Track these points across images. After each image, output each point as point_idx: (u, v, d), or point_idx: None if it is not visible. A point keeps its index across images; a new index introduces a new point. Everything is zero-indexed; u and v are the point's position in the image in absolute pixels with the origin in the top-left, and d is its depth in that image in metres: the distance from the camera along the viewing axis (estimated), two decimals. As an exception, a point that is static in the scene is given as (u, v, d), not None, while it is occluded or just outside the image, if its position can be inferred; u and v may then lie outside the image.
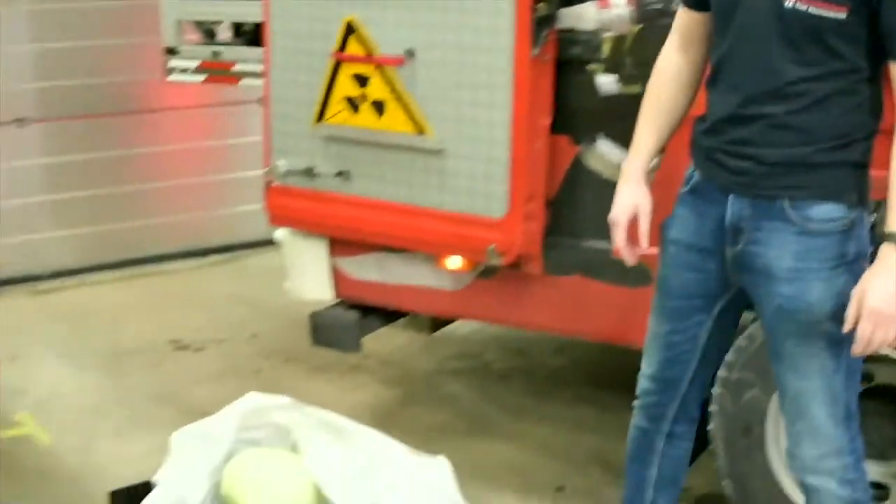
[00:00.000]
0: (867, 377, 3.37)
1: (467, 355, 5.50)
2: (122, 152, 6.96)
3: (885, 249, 2.54)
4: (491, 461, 4.32)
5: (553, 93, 3.53)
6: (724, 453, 3.51)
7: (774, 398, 3.37)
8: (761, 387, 3.40)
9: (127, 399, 5.02)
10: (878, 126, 2.67)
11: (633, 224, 2.90)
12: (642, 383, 3.12)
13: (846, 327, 2.57)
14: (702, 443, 3.60)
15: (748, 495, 3.47)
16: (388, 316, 4.35)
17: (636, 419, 3.16)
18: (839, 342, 2.67)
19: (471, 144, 3.62)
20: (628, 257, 2.93)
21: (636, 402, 3.16)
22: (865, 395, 3.35)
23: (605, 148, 3.30)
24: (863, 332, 2.53)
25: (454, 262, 3.86)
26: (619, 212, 2.91)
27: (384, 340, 5.31)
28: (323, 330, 4.23)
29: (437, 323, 4.65)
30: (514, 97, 3.50)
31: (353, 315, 4.21)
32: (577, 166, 3.60)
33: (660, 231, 2.93)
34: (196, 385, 5.18)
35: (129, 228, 6.98)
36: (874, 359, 3.27)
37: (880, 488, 3.49)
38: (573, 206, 3.67)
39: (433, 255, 3.89)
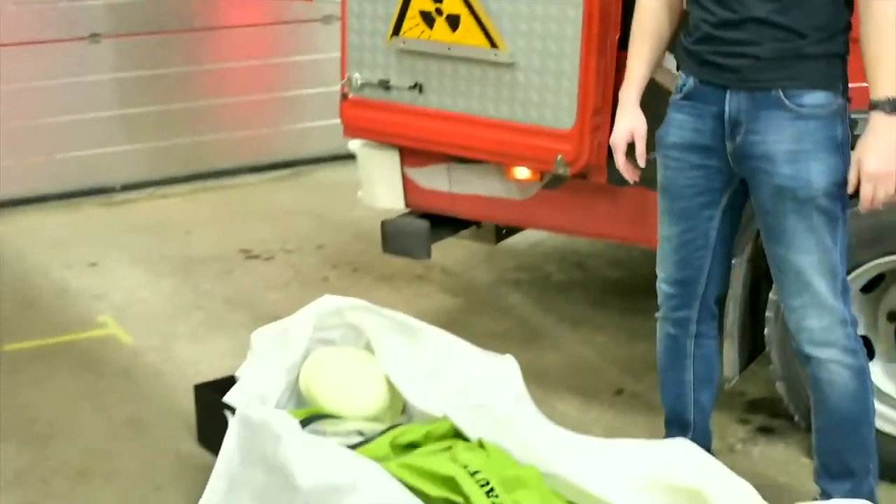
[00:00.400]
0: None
1: (527, 267, 5.67)
2: (190, 68, 7.16)
3: (873, 117, 2.84)
4: (551, 366, 4.50)
5: (622, 8, 3.65)
6: (778, 357, 3.66)
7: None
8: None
9: (202, 304, 5.25)
10: (851, 17, 2.95)
11: (631, 146, 3.23)
12: (662, 291, 3.35)
13: (850, 189, 2.90)
14: (755, 349, 3.78)
15: (801, 397, 3.63)
16: (456, 225, 4.51)
17: (663, 329, 3.41)
18: (835, 219, 2.97)
19: (542, 58, 3.75)
20: (629, 176, 3.27)
21: (659, 313, 3.41)
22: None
23: (670, 63, 3.42)
24: (865, 192, 2.87)
25: (522, 172, 4.01)
26: (618, 136, 3.25)
27: (447, 252, 5.48)
28: (394, 238, 4.39)
29: (501, 234, 4.79)
30: (585, 12, 3.63)
31: (423, 224, 4.37)
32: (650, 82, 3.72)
33: (656, 142, 3.20)
34: (267, 291, 5.40)
35: (198, 143, 7.19)
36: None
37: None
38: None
39: (502, 166, 4.05)
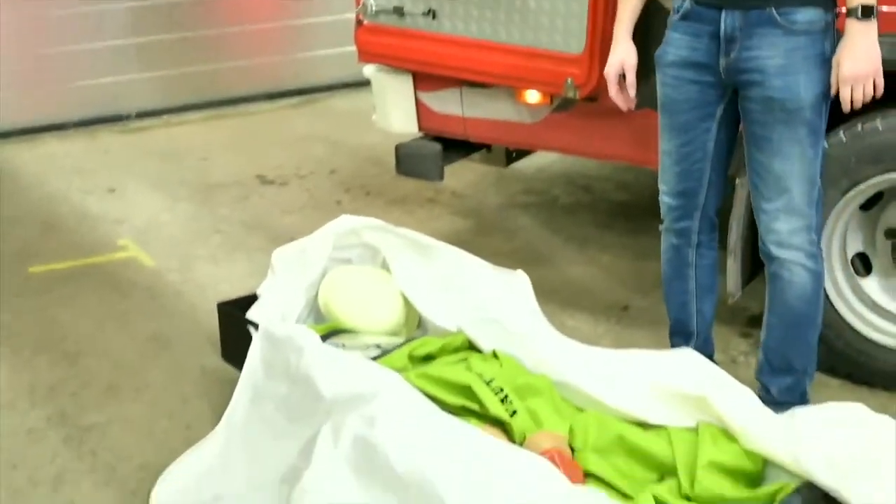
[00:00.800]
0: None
1: (535, 191, 5.81)
2: (204, -4, 7.27)
3: (848, 23, 3.04)
4: (560, 284, 4.66)
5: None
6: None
7: (830, 221, 3.68)
8: (816, 211, 3.69)
9: (220, 227, 5.40)
10: None
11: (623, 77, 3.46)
12: (665, 203, 3.53)
13: (832, 91, 3.09)
14: (757, 265, 3.92)
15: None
16: (468, 149, 4.64)
17: (667, 240, 3.60)
18: (817, 132, 3.16)
19: (553, -18, 3.87)
20: (622, 104, 3.50)
21: (663, 225, 3.58)
22: None
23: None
24: (845, 95, 3.08)
25: (533, 96, 4.13)
26: (610, 68, 3.48)
27: (458, 176, 5.62)
28: (408, 160, 4.53)
29: (511, 157, 4.91)
30: (595, -64, 3.74)
31: (435, 146, 4.50)
32: (653, 4, 3.83)
33: (655, 62, 3.38)
34: (282, 215, 5.55)
35: (213, 70, 7.30)
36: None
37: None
38: (646, 44, 3.90)
39: (513, 90, 4.17)
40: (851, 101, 3.08)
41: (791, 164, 3.20)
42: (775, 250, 3.30)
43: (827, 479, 2.67)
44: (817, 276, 3.32)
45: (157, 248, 5.13)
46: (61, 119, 6.89)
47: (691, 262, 3.56)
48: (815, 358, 3.45)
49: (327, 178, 6.06)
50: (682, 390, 3.14)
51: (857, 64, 3.04)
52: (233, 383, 3.62)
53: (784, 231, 3.27)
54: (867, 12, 3.02)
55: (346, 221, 4.07)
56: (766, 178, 3.25)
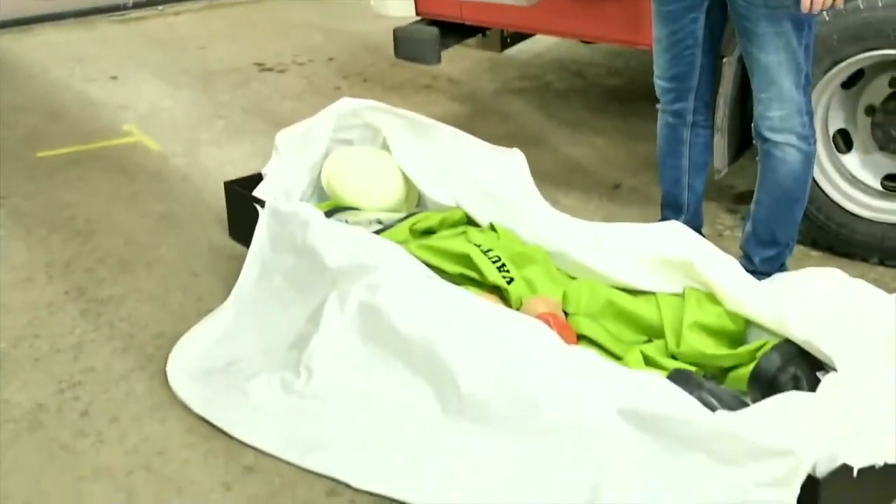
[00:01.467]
0: (894, 81, 3.82)
1: (529, 77, 5.93)
2: None
3: None
4: (553, 164, 4.80)
5: None
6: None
7: (814, 99, 3.82)
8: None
9: (222, 112, 5.53)
10: None
11: None
12: (659, 86, 3.69)
13: None
14: (743, 142, 4.07)
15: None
16: (464, 33, 4.76)
17: (662, 120, 3.75)
18: (801, 22, 3.28)
19: None
20: None
21: (659, 105, 3.73)
22: (892, 97, 3.82)
23: None
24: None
25: (527, -22, 4.24)
26: None
27: (453, 63, 5.74)
28: (406, 44, 4.64)
29: (506, 42, 5.02)
30: None
31: (433, 30, 4.61)
32: None
33: None
34: (282, 101, 5.67)
35: (208, -40, 7.37)
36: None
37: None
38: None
39: (508, -29, 4.28)
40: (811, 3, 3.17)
41: (777, 56, 3.32)
42: (769, 134, 3.44)
43: (804, 335, 2.86)
44: (808, 156, 3.47)
45: (161, 133, 5.26)
46: (59, 9, 6.96)
47: (685, 140, 3.71)
48: (797, 233, 3.63)
49: (325, 66, 6.17)
50: (670, 257, 3.32)
51: None
52: (240, 259, 3.80)
53: (776, 118, 3.40)
54: None
55: (347, 103, 4.20)
56: (756, 70, 3.38)
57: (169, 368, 3.34)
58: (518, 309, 3.30)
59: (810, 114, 3.44)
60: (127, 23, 7.03)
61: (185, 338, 3.49)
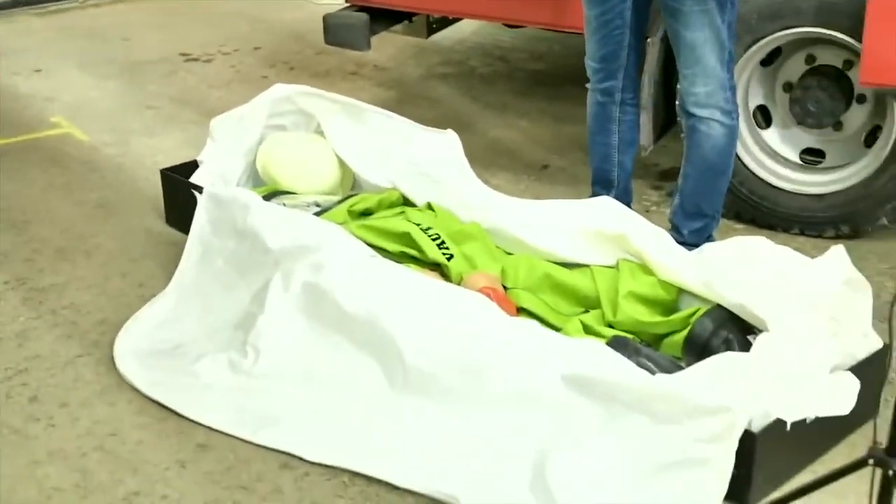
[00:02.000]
0: (811, 58, 3.98)
1: (453, 62, 6.02)
2: None
3: None
4: (482, 147, 4.89)
5: None
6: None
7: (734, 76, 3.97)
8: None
9: (150, 102, 5.54)
10: None
11: None
12: (590, 66, 3.80)
13: None
14: (667, 121, 4.21)
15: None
16: (392, 18, 4.83)
17: (592, 98, 3.86)
18: (723, 2, 3.41)
19: None
20: None
21: (589, 85, 3.83)
22: (809, 74, 3.97)
23: None
24: None
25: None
26: None
27: (378, 50, 5.80)
28: (336, 30, 4.70)
29: (432, 27, 5.10)
30: None
31: (362, 16, 4.68)
32: None
33: None
34: (210, 90, 5.70)
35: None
36: (817, 42, 3.88)
37: (818, 154, 4.13)
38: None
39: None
40: None
41: (702, 33, 3.44)
42: (694, 109, 3.57)
43: (736, 299, 2.99)
44: (731, 131, 3.59)
45: (91, 124, 5.26)
46: (-24, 3, 6.92)
47: (614, 118, 3.82)
48: (723, 205, 3.77)
49: (251, 55, 6.20)
50: (604, 231, 3.42)
51: None
52: (178, 245, 3.85)
53: (702, 94, 3.53)
54: None
55: (280, 89, 4.25)
56: (681, 47, 3.51)
57: (115, 353, 3.38)
58: (459, 284, 3.39)
59: (733, 89, 3.57)
60: (48, 15, 7.00)
61: (129, 323, 3.53)
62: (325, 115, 4.18)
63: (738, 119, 3.62)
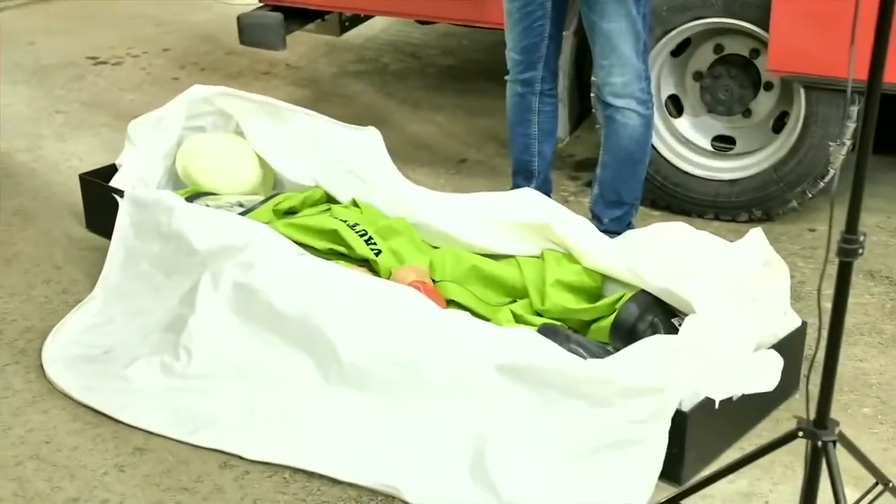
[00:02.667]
0: (719, 47, 4.10)
1: (366, 59, 6.05)
2: None
3: None
4: (400, 142, 4.90)
5: None
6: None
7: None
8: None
9: (60, 107, 5.48)
10: None
11: None
12: (511, 58, 3.85)
13: None
14: (583, 112, 4.29)
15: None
16: (306, 17, 4.85)
17: (512, 89, 3.91)
18: None
19: None
20: None
21: (509, 76, 3.89)
22: (718, 63, 4.08)
23: None
24: None
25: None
26: None
27: (289, 49, 5.75)
28: (251, 30, 4.69)
29: (345, 26, 5.12)
30: None
31: (277, 16, 4.69)
32: None
33: None
34: (121, 93, 5.66)
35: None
36: (725, 31, 3.99)
37: (728, 141, 4.25)
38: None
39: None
40: None
41: (619, 24, 3.51)
42: (611, 99, 3.64)
43: (660, 284, 3.07)
44: (647, 120, 3.68)
45: (1, 131, 5.19)
46: None
47: (535, 109, 3.89)
48: (641, 194, 3.86)
49: (161, 57, 6.16)
50: (527, 222, 3.49)
51: None
52: (101, 250, 3.84)
53: (618, 84, 3.60)
54: None
55: (198, 90, 4.24)
56: (599, 38, 3.57)
57: (44, 360, 3.37)
58: (388, 279, 3.44)
59: (648, 79, 3.65)
60: (-53, 21, 6.89)
61: (56, 329, 3.51)
62: (245, 115, 4.18)
63: (653, 108, 3.71)
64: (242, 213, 3.80)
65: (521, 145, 3.95)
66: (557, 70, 3.89)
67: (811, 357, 2.27)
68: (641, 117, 3.65)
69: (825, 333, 2.14)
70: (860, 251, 2.04)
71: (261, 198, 3.97)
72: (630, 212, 3.82)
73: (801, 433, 2.24)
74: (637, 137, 3.69)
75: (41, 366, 3.34)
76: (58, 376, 3.29)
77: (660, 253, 3.20)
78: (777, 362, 2.86)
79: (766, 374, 2.83)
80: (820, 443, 2.20)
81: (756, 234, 3.07)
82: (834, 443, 2.19)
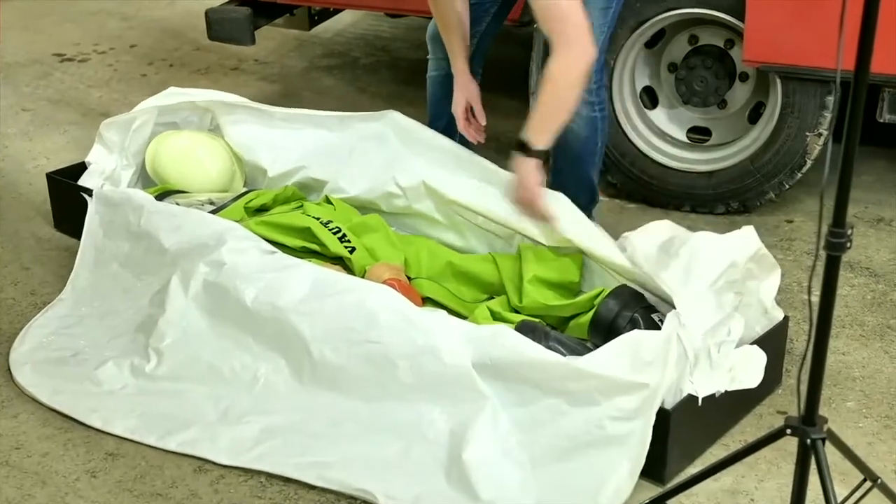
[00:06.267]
0: (694, 38, 4.06)
1: (336, 54, 5.98)
2: None
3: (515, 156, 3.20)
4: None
5: None
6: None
7: (620, 58, 4.04)
8: (608, 49, 4.02)
9: (26, 105, 5.38)
10: None
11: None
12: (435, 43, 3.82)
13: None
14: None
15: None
16: (274, 12, 4.79)
17: (437, 69, 3.90)
18: None
19: None
20: (472, 137, 3.67)
21: (429, 56, 3.89)
22: (692, 54, 4.05)
23: None
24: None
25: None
26: (457, 107, 3.66)
27: (258, 44, 5.68)
28: (219, 24, 4.62)
29: (314, 20, 5.06)
30: None
31: (245, 10, 4.62)
32: None
33: None
34: (88, 90, 5.56)
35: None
36: (699, 22, 3.96)
37: (704, 133, 4.21)
38: None
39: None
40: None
41: None
42: None
43: (645, 268, 3.01)
44: (591, 122, 3.51)
45: (-36, 130, 5.11)
46: None
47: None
48: (596, 195, 3.72)
49: (128, 53, 6.07)
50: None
51: (515, 193, 3.26)
52: (69, 249, 3.78)
53: None
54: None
55: (173, 92, 4.19)
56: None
57: (11, 364, 3.29)
58: (362, 277, 3.38)
59: (598, 82, 3.47)
60: None
61: (24, 332, 3.44)
62: (222, 114, 4.08)
63: (600, 111, 3.53)
64: (213, 212, 3.74)
65: (442, 124, 3.83)
66: (489, 50, 3.81)
67: (801, 353, 2.24)
68: (584, 119, 3.47)
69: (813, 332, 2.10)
70: (848, 245, 2.01)
71: (232, 195, 3.90)
72: (589, 209, 3.63)
73: (789, 430, 2.20)
74: (582, 139, 3.53)
75: (9, 370, 3.26)
76: (26, 380, 3.22)
77: (646, 243, 3.12)
78: (760, 358, 2.83)
79: (749, 370, 2.80)
80: (809, 440, 2.16)
81: (748, 230, 3.02)
82: (823, 440, 2.16)
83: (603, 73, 3.55)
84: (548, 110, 3.18)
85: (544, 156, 3.20)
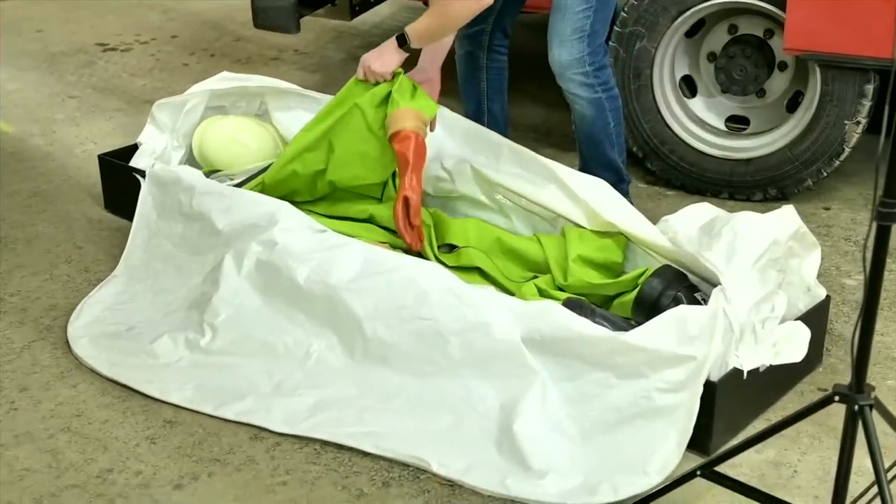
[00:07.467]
0: (733, 28, 4.13)
1: (373, 45, 5.99)
2: None
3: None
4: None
5: None
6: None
7: (661, 47, 4.11)
8: (649, 38, 4.10)
9: (72, 92, 5.49)
10: None
11: None
12: None
13: None
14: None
15: (638, 131, 4.22)
16: (318, 1, 4.87)
17: (461, 48, 3.97)
18: None
19: None
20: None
21: (458, 34, 3.88)
22: (732, 43, 4.12)
23: None
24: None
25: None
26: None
27: (297, 35, 5.80)
28: (265, 13, 4.70)
29: (355, 10, 5.14)
30: None
31: (290, -1, 4.72)
32: None
33: None
34: (132, 78, 5.67)
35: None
36: (739, 12, 4.02)
37: (741, 121, 4.28)
38: None
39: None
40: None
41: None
42: (558, 80, 3.68)
43: (688, 248, 3.08)
44: (594, 103, 3.67)
45: (13, 116, 5.19)
46: None
47: (483, 66, 3.93)
48: (621, 170, 3.85)
49: (169, 43, 6.18)
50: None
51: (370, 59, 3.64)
52: (120, 230, 3.87)
53: (556, 63, 3.63)
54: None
55: (225, 76, 4.28)
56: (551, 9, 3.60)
57: (69, 336, 3.38)
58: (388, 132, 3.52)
59: (596, 64, 3.63)
60: (-46, 8, 6.88)
61: (80, 307, 3.53)
62: (271, 100, 4.19)
63: (605, 91, 3.68)
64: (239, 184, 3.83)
65: (473, 104, 3.97)
66: (510, 29, 3.90)
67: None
68: (586, 101, 3.67)
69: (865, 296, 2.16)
70: (899, 216, 2.07)
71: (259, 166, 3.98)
72: (619, 186, 3.73)
73: (837, 398, 2.26)
74: (590, 121, 3.72)
75: (67, 342, 3.36)
76: (84, 352, 3.31)
77: (689, 223, 3.19)
78: (804, 334, 2.89)
79: (794, 345, 2.87)
80: (857, 407, 2.23)
81: (788, 209, 3.09)
82: (871, 407, 2.22)
83: (601, 55, 3.66)
84: (432, 26, 3.48)
85: (409, 52, 3.55)
